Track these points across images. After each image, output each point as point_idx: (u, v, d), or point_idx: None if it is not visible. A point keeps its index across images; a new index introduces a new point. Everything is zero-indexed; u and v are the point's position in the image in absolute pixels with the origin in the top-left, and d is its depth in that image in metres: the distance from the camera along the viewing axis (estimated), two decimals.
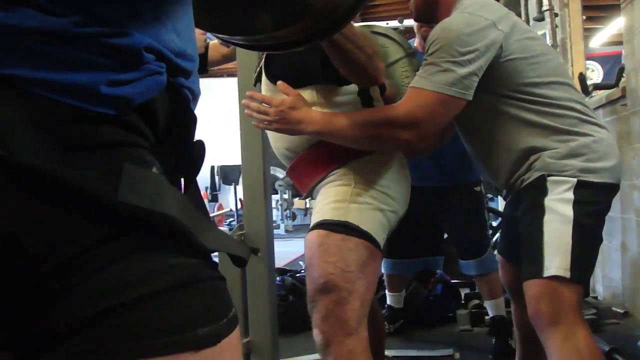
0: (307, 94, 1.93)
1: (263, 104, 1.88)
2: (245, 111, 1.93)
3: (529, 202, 1.95)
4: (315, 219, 1.91)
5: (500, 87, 1.94)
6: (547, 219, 1.86)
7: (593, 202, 1.89)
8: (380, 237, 1.89)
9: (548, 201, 1.87)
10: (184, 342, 0.59)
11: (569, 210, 1.84)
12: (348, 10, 1.12)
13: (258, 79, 2.13)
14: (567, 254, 1.81)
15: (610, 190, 1.95)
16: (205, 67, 2.77)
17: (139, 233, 0.59)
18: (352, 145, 1.90)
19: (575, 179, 1.87)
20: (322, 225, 1.86)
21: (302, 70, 1.93)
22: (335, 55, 1.76)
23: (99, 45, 0.60)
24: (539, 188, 1.91)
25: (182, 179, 0.72)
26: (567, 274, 1.79)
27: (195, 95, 0.75)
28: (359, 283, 1.81)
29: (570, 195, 1.86)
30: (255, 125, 1.97)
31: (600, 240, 1.98)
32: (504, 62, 1.90)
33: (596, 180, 1.89)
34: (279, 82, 1.88)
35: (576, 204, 1.85)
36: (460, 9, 1.97)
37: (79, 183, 0.56)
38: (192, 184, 0.73)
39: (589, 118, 1.96)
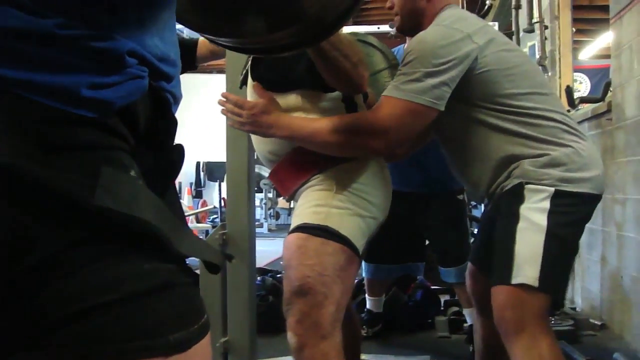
0: (292, 98, 1.94)
1: (236, 106, 1.90)
2: (221, 110, 1.97)
3: (506, 209, 1.96)
4: (295, 222, 1.91)
5: (477, 98, 1.94)
6: (521, 226, 1.87)
7: (569, 212, 1.90)
8: (359, 243, 1.89)
9: (523, 209, 1.88)
10: (154, 347, 0.59)
11: (543, 220, 1.85)
12: (338, 17, 1.11)
13: (244, 82, 2.14)
14: (537, 263, 1.82)
15: (589, 200, 1.95)
16: (194, 63, 2.76)
17: (113, 237, 0.59)
18: (323, 151, 1.90)
19: (552, 189, 1.88)
20: (302, 228, 1.86)
21: (288, 75, 1.93)
22: (321, 61, 1.76)
23: (81, 48, 0.60)
24: (516, 195, 1.92)
25: (161, 182, 0.72)
26: (535, 283, 1.80)
27: (177, 99, 0.75)
28: (335, 287, 1.81)
29: (546, 204, 1.87)
30: (230, 125, 2.00)
31: (576, 250, 1.99)
32: (479, 74, 1.91)
33: (574, 190, 1.89)
34: (255, 84, 1.90)
35: (551, 213, 1.86)
36: (437, 22, 1.99)
37: (55, 184, 0.56)
38: (170, 188, 0.73)
39: (570, 129, 1.96)
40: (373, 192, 1.95)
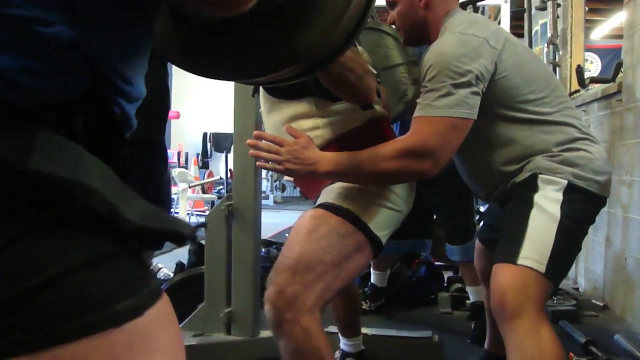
0: (305, 105, 1.93)
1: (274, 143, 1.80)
2: (250, 152, 1.83)
3: (519, 198, 1.95)
4: (319, 201, 1.91)
5: (494, 105, 1.93)
6: (534, 212, 1.86)
7: (580, 208, 1.90)
8: (381, 233, 1.86)
9: (537, 197, 1.88)
10: (102, 320, 0.56)
11: (556, 210, 1.85)
12: (333, 52, 1.11)
13: (256, 90, 2.12)
14: (547, 249, 1.81)
15: (597, 200, 1.95)
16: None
17: (49, 206, 0.55)
18: (368, 183, 1.88)
19: (566, 181, 1.88)
20: (324, 205, 1.85)
21: (297, 83, 1.90)
22: (326, 78, 1.74)
23: (23, 30, 0.57)
24: (530, 185, 1.91)
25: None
26: (542, 269, 1.79)
27: (131, 126, 0.71)
28: (332, 269, 1.76)
29: (559, 195, 1.86)
30: (260, 166, 1.91)
31: (579, 249, 1.99)
32: (498, 79, 1.90)
33: (586, 187, 1.89)
34: (287, 126, 1.83)
35: (564, 205, 1.85)
36: (450, 29, 1.95)
37: None
38: (157, 180, 0.71)
39: (582, 135, 1.96)
40: (400, 184, 1.93)
